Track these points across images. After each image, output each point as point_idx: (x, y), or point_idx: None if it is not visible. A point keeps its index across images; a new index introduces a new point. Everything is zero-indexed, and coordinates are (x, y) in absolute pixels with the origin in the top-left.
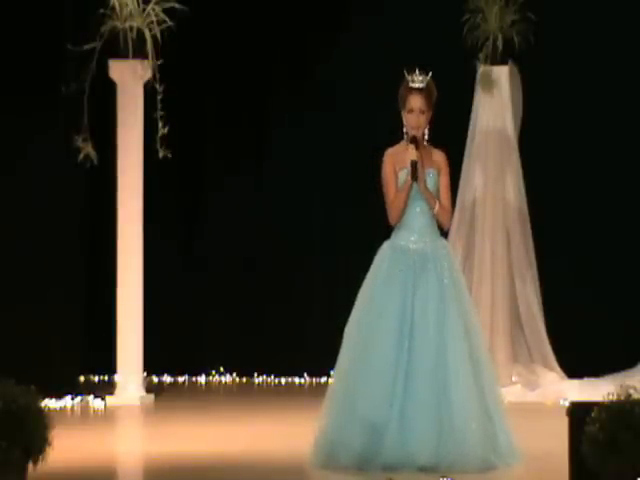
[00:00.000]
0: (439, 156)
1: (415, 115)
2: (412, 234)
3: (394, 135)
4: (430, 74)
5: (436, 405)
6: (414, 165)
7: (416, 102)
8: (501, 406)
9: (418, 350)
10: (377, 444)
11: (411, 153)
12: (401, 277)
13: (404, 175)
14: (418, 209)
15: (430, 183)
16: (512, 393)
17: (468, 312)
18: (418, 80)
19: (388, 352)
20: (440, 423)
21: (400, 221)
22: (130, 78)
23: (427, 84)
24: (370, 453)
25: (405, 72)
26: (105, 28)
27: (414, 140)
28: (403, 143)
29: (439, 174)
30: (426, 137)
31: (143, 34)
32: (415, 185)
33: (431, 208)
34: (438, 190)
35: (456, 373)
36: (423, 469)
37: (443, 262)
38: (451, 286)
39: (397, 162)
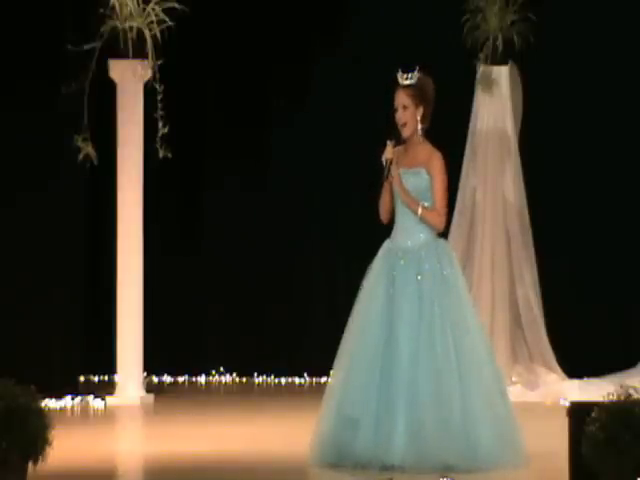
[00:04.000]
0: (431, 155)
1: (398, 112)
2: (403, 233)
3: (394, 135)
4: (417, 68)
5: (407, 405)
6: (386, 164)
7: (398, 99)
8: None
9: (394, 351)
10: (351, 441)
11: (387, 150)
12: (384, 278)
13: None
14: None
15: (415, 183)
16: (512, 393)
17: (459, 310)
18: (402, 78)
19: (368, 356)
20: (413, 422)
21: (388, 220)
22: (130, 78)
23: (416, 80)
24: (344, 450)
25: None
26: (105, 28)
27: (393, 137)
28: (404, 145)
29: (430, 174)
30: (419, 133)
31: (143, 34)
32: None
33: (413, 212)
34: (429, 190)
35: (428, 372)
36: (393, 468)
37: (433, 260)
38: (439, 284)
39: (396, 162)
